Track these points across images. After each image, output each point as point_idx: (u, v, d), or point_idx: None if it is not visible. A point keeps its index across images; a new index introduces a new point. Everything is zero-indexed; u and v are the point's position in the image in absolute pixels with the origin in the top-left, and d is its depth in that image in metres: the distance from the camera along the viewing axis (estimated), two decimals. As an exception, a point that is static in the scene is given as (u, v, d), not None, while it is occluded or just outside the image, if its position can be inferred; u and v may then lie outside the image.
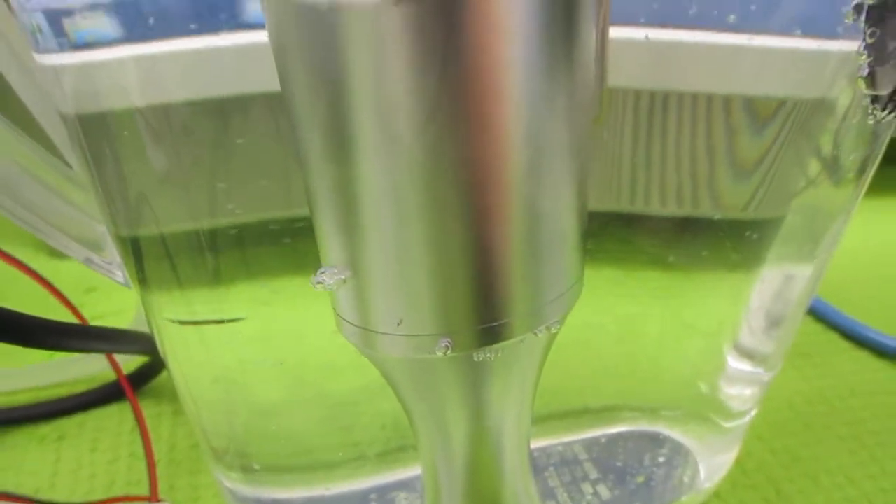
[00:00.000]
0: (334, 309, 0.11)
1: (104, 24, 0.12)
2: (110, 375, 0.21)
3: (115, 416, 0.21)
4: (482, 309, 0.10)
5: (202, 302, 0.15)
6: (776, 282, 0.18)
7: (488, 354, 0.11)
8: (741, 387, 0.19)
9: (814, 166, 0.15)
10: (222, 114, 0.13)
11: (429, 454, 0.13)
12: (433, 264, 0.10)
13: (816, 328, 0.24)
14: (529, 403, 0.13)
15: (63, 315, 0.21)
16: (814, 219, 0.16)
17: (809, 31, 0.12)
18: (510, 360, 0.11)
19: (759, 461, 0.20)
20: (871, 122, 0.11)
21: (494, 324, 0.10)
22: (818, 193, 0.15)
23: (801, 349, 0.23)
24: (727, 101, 0.14)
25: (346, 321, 0.11)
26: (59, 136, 0.17)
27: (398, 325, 0.10)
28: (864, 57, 0.10)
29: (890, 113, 0.11)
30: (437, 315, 0.10)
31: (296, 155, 0.10)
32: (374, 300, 0.10)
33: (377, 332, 0.11)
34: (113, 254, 0.16)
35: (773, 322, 0.19)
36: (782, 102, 0.14)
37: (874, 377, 0.22)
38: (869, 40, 0.10)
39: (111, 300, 0.24)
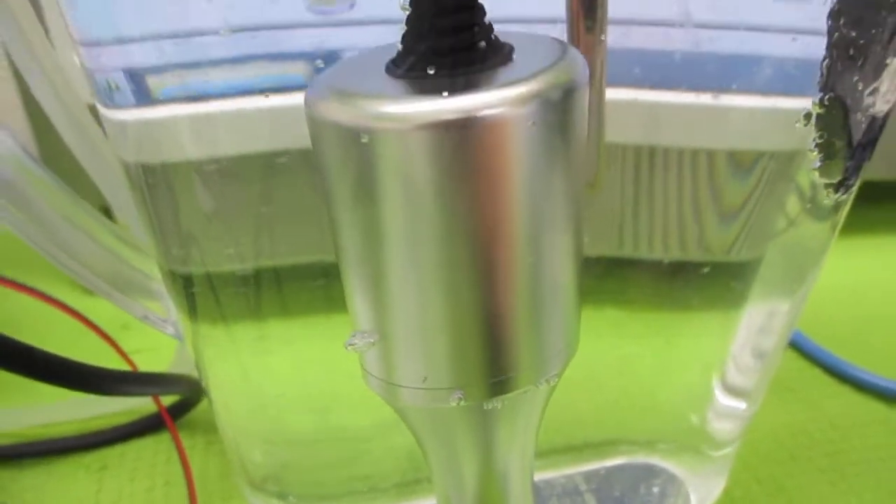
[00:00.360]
0: (361, 363, 0.13)
1: (191, 82, 0.14)
2: (147, 408, 0.23)
3: (152, 447, 0.22)
4: (491, 366, 0.12)
5: (244, 337, 0.17)
6: (759, 318, 0.19)
7: (496, 404, 0.13)
8: (728, 419, 0.21)
9: (791, 209, 0.16)
10: (270, 166, 0.15)
11: (442, 487, 0.15)
12: (449, 331, 0.11)
13: (801, 365, 0.25)
14: (532, 443, 0.15)
15: (100, 350, 0.23)
16: (792, 258, 0.18)
17: (785, 91, 0.14)
18: (515, 408, 0.13)
19: (746, 490, 0.21)
20: (827, 202, 0.13)
21: (501, 378, 0.12)
22: (795, 234, 0.17)
23: (787, 384, 0.24)
24: (710, 154, 0.16)
25: (372, 375, 0.13)
26: (112, 193, 0.19)
27: (423, 381, 0.12)
28: (815, 153, 0.12)
29: (843, 194, 0.13)
30: (452, 372, 0.12)
31: (331, 237, 0.12)
32: (397, 360, 0.12)
33: (399, 386, 0.12)
34: (168, 310, 0.18)
35: (757, 356, 0.20)
36: (761, 154, 0.15)
37: (853, 411, 0.23)
38: (818, 141, 0.11)
39: (145, 337, 0.25)
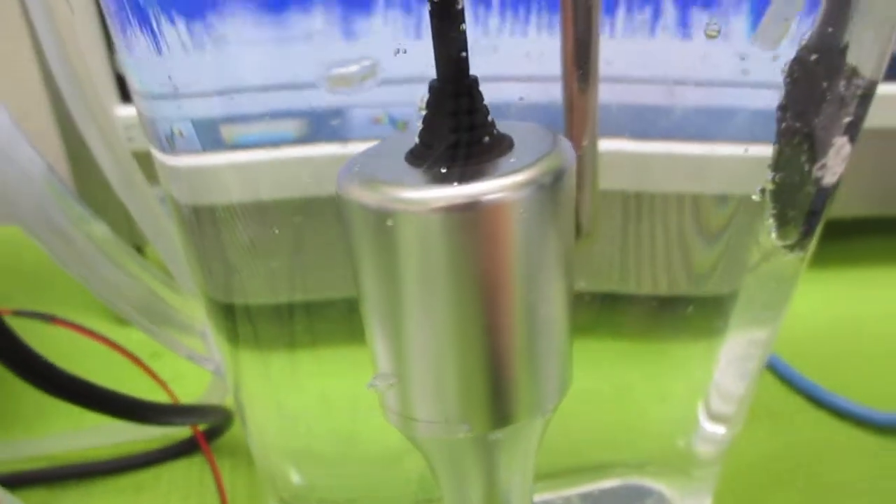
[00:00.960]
0: (380, 400, 0.15)
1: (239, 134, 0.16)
2: (179, 434, 0.24)
3: (184, 469, 0.24)
4: (495, 403, 0.14)
5: (279, 366, 0.19)
6: (739, 347, 0.21)
7: (499, 434, 0.14)
8: (711, 442, 0.23)
9: (765, 244, 0.18)
10: (305, 210, 0.17)
11: (448, 496, 0.17)
12: (459, 375, 0.13)
13: (783, 391, 0.27)
14: (531, 468, 0.16)
15: (132, 377, 0.25)
16: (765, 289, 0.20)
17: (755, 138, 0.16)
18: (516, 438, 0.15)
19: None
20: (785, 257, 0.15)
21: (504, 413, 0.14)
22: (768, 267, 0.19)
23: (770, 410, 0.26)
24: (692, 198, 0.18)
25: (391, 411, 0.15)
26: (152, 232, 0.21)
27: (436, 417, 0.14)
28: (770, 220, 0.14)
29: (798, 253, 0.14)
30: (461, 409, 0.14)
31: (356, 290, 0.13)
32: (413, 398, 0.14)
33: (415, 420, 0.14)
34: (209, 349, 0.19)
35: (739, 381, 0.22)
36: (736, 198, 0.17)
37: (830, 436, 0.25)
38: (773, 212, 0.13)
39: (175, 365, 0.27)
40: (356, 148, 0.14)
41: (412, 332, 0.13)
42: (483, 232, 0.12)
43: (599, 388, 0.22)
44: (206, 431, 0.23)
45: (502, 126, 0.13)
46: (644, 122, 0.17)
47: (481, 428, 0.14)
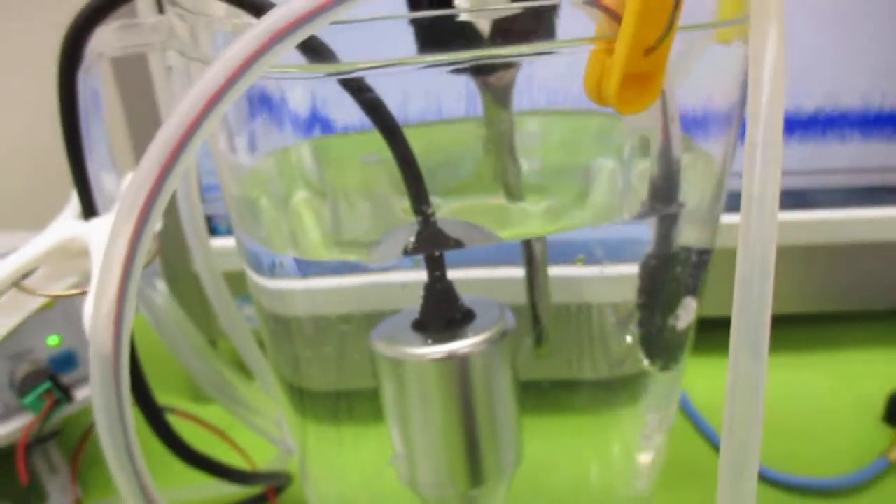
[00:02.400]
0: (398, 470, 0.22)
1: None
2: (255, 490, 0.32)
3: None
4: (471, 473, 0.21)
5: (333, 437, 0.26)
6: (655, 413, 0.27)
7: (474, 492, 0.22)
8: (644, 480, 0.29)
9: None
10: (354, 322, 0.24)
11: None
12: (445, 456, 0.21)
13: (716, 458, 0.34)
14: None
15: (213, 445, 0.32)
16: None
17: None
18: (486, 494, 0.22)
19: None
20: (660, 373, 0.22)
21: (477, 478, 0.22)
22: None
23: (703, 473, 0.33)
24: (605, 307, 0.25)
25: (404, 476, 0.22)
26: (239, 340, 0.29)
27: (432, 481, 0.21)
28: (640, 354, 0.21)
29: (669, 373, 0.22)
30: (447, 476, 0.21)
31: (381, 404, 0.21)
32: (417, 469, 0.21)
33: (419, 482, 0.22)
34: (283, 431, 0.27)
35: (660, 434, 0.28)
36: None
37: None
38: (641, 347, 0.21)
39: (244, 437, 0.34)
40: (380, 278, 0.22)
41: (413, 429, 0.21)
42: (459, 370, 0.20)
43: (563, 452, 0.29)
44: (274, 489, 0.31)
45: (467, 300, 0.20)
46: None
47: (462, 488, 0.22)
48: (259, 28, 0.13)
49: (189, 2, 0.16)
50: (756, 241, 0.13)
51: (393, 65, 0.16)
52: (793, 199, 0.37)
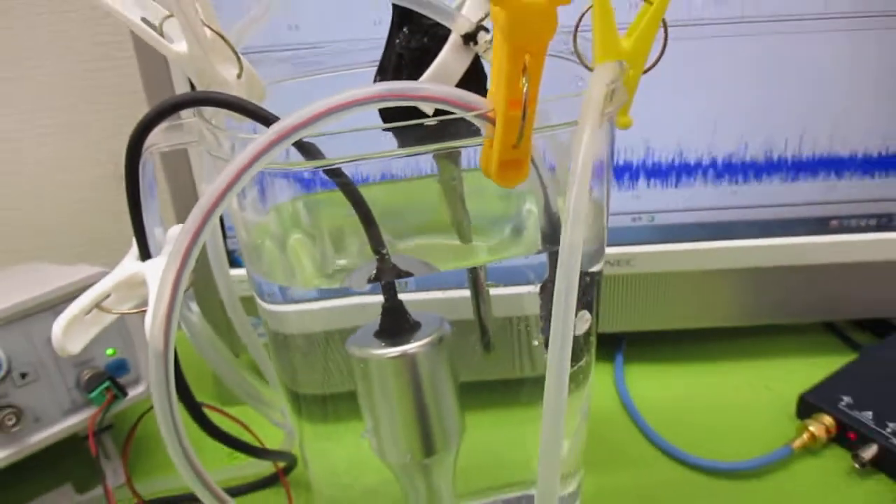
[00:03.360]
0: (370, 444, 0.29)
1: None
2: (267, 470, 0.39)
3: (272, 494, 0.39)
4: (424, 443, 0.28)
5: (324, 430, 0.33)
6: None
7: (427, 461, 0.29)
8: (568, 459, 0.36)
9: None
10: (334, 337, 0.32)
11: (410, 496, 0.31)
12: (403, 431, 0.28)
13: (647, 447, 0.40)
14: (450, 478, 0.30)
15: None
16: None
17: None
18: (436, 462, 0.29)
19: (597, 488, 0.36)
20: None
21: (430, 448, 0.29)
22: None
23: (635, 459, 0.39)
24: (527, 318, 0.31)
25: (373, 448, 0.29)
26: (252, 347, 0.36)
27: (393, 450, 0.28)
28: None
29: (573, 367, 0.29)
30: (405, 447, 0.28)
31: (356, 390, 0.28)
32: (382, 442, 0.28)
33: (384, 451, 0.29)
34: (285, 417, 0.34)
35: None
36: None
37: (671, 475, 0.38)
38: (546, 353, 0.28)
39: (259, 429, 0.42)
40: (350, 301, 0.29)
41: (378, 411, 0.28)
42: (407, 366, 0.27)
43: (500, 438, 0.35)
44: (283, 469, 0.38)
45: (415, 315, 0.28)
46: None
47: (418, 458, 0.29)
48: (261, 138, 0.20)
49: (210, 112, 0.24)
50: (566, 271, 0.20)
51: (358, 159, 0.23)
52: (719, 230, 0.44)
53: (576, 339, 0.28)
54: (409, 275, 0.27)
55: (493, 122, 0.22)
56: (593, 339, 0.31)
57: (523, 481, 0.35)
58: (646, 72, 0.25)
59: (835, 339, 0.49)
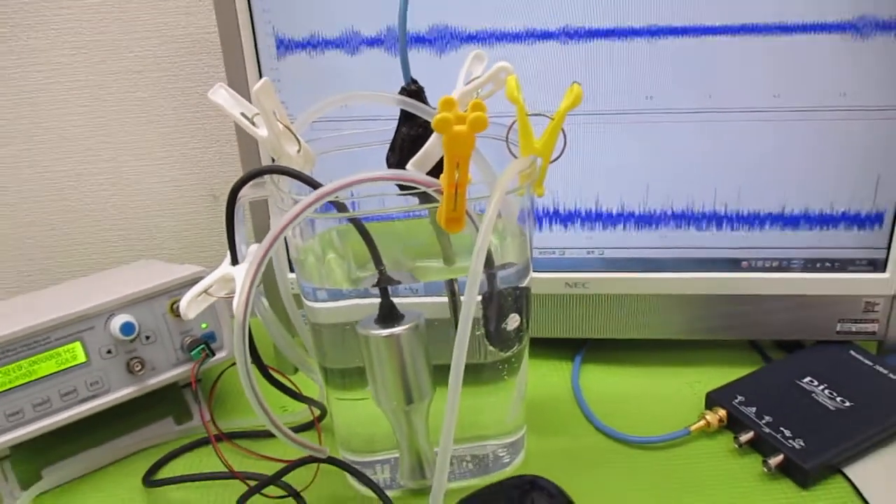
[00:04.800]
0: (372, 397, 0.44)
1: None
2: (305, 419, 0.53)
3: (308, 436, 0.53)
4: (405, 396, 0.42)
5: (343, 395, 0.48)
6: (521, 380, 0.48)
7: (407, 408, 0.43)
8: (516, 417, 0.49)
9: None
10: (350, 328, 0.46)
11: (400, 436, 0.45)
12: (392, 385, 0.42)
13: (584, 423, 0.53)
14: (426, 421, 0.44)
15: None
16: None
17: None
18: (414, 409, 0.43)
19: (535, 457, 0.49)
20: (503, 354, 0.43)
21: (410, 398, 0.42)
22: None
23: (572, 431, 0.52)
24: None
25: (373, 397, 0.43)
26: (301, 329, 0.51)
27: (386, 399, 0.42)
28: (486, 343, 0.41)
29: (506, 352, 0.42)
30: (394, 398, 0.42)
31: (368, 364, 0.43)
32: (379, 395, 0.43)
33: (380, 401, 0.43)
34: (318, 376, 0.49)
35: (520, 395, 0.49)
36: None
37: (597, 443, 0.51)
38: (487, 343, 0.41)
39: (307, 390, 0.56)
40: (367, 301, 0.43)
41: (375, 373, 0.42)
42: (395, 343, 0.41)
43: (464, 405, 0.49)
44: (317, 418, 0.52)
45: (402, 310, 0.42)
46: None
47: (401, 405, 0.43)
48: (304, 200, 0.35)
49: (278, 177, 0.39)
50: (469, 297, 0.34)
51: (372, 214, 0.38)
52: (652, 264, 0.56)
53: (509, 332, 0.42)
54: (398, 283, 0.41)
55: (441, 194, 0.36)
56: (524, 334, 0.44)
57: (476, 436, 0.48)
58: (552, 162, 0.39)
59: (755, 355, 0.61)
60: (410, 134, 0.42)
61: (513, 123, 0.38)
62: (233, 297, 0.38)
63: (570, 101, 0.37)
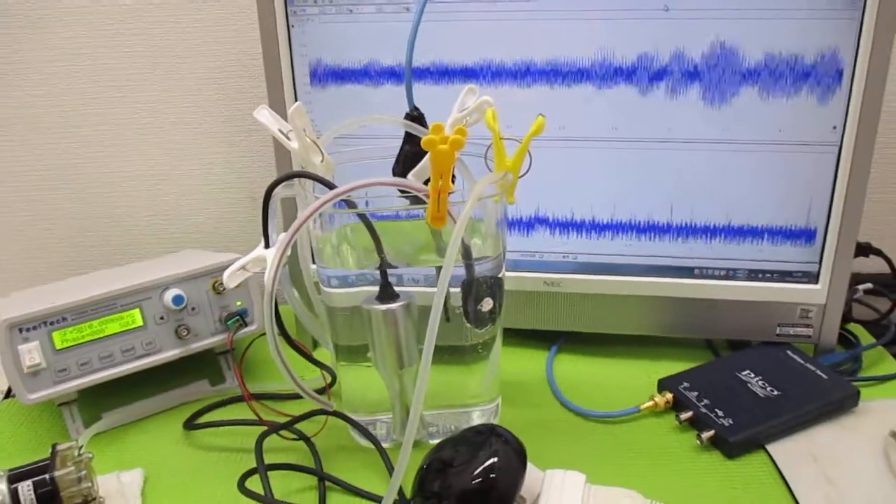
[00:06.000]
0: (372, 362, 0.53)
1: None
2: (317, 385, 0.63)
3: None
4: (397, 361, 0.52)
5: (350, 365, 0.57)
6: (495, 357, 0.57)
7: (399, 371, 0.52)
8: (489, 390, 0.58)
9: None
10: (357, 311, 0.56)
11: (393, 396, 0.54)
12: (388, 351, 0.51)
13: (552, 399, 0.62)
14: (413, 381, 0.53)
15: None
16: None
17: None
18: (406, 373, 0.52)
19: (507, 423, 0.57)
20: (481, 330, 0.52)
21: (401, 362, 0.52)
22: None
23: (539, 404, 0.61)
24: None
25: (373, 362, 0.53)
26: (320, 309, 0.61)
27: (382, 362, 0.52)
28: (464, 321, 0.50)
29: (482, 329, 0.51)
30: (389, 363, 0.52)
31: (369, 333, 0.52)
32: (377, 360, 0.52)
33: (377, 365, 0.52)
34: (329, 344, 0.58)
35: (493, 371, 0.57)
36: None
37: (563, 416, 0.59)
38: (465, 321, 0.50)
39: (320, 354, 0.66)
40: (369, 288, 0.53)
41: (374, 341, 0.51)
42: (391, 317, 0.50)
43: (448, 378, 0.58)
44: (328, 384, 0.61)
45: (398, 290, 0.51)
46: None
47: (395, 368, 0.52)
48: (323, 197, 0.44)
49: (303, 182, 0.49)
50: (442, 285, 0.43)
51: (372, 212, 0.48)
52: (618, 269, 0.65)
53: (484, 313, 0.51)
54: (395, 267, 0.51)
55: (427, 196, 0.45)
56: (497, 316, 0.53)
57: (459, 403, 0.57)
58: (521, 177, 0.48)
59: (708, 353, 0.69)
60: (412, 151, 0.52)
61: (490, 145, 0.48)
62: (264, 273, 0.48)
63: (534, 129, 0.46)
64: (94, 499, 0.48)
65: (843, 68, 0.56)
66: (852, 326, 0.71)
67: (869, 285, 0.72)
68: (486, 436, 0.46)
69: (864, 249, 0.69)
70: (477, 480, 0.42)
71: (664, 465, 0.54)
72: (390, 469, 0.53)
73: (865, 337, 0.69)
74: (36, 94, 0.80)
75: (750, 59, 0.57)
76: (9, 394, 0.66)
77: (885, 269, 0.72)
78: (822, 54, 0.56)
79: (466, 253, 0.49)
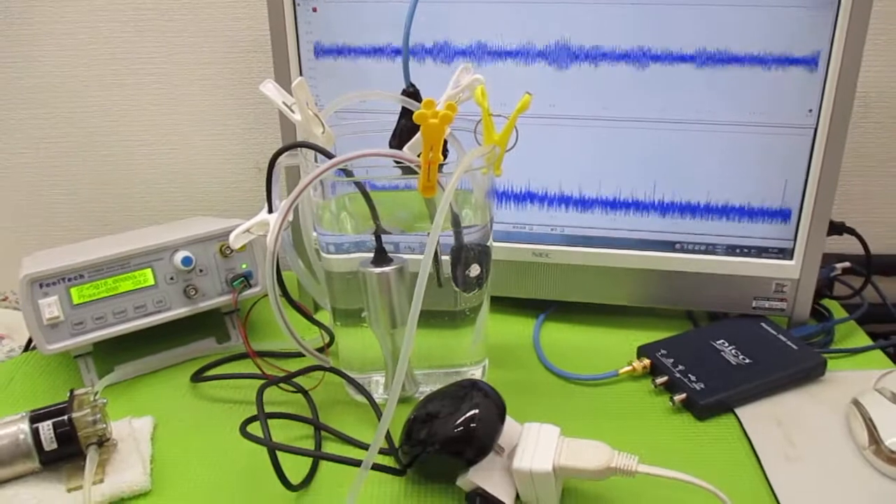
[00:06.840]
0: (368, 322, 0.56)
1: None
2: (316, 345, 0.66)
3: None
4: (389, 321, 0.55)
5: (348, 326, 0.60)
6: (482, 322, 0.60)
7: (392, 330, 0.55)
8: (477, 351, 0.61)
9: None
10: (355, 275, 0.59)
11: (386, 354, 0.57)
12: (384, 314, 0.54)
13: (537, 363, 0.65)
14: (404, 340, 0.57)
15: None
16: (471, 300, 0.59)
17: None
18: (398, 332, 0.56)
19: (494, 382, 0.61)
20: (469, 293, 0.55)
21: (394, 323, 0.55)
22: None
23: (528, 366, 0.64)
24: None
25: (368, 322, 0.56)
26: (319, 273, 0.64)
27: (377, 322, 0.55)
28: (453, 286, 0.53)
29: (470, 293, 0.54)
30: (382, 322, 0.55)
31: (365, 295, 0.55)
32: (371, 320, 0.55)
33: (371, 324, 0.56)
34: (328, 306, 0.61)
35: (479, 334, 0.61)
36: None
37: (546, 378, 0.62)
38: (454, 285, 0.53)
39: (321, 317, 0.69)
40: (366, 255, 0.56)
41: (369, 302, 0.54)
42: (385, 279, 0.53)
43: (445, 341, 0.61)
44: (327, 344, 0.65)
45: (392, 255, 0.54)
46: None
47: (388, 328, 0.55)
48: (322, 165, 0.47)
49: (305, 150, 0.52)
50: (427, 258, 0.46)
51: (364, 179, 0.50)
52: (603, 242, 0.68)
53: (471, 278, 0.54)
54: (389, 233, 0.54)
55: (419, 166, 0.48)
56: (485, 280, 0.56)
57: (449, 364, 0.60)
58: (508, 150, 0.51)
59: (688, 323, 0.72)
60: (407, 125, 0.54)
61: (479, 121, 0.50)
62: (267, 235, 0.51)
63: (520, 106, 0.48)
64: (108, 439, 0.51)
65: (820, 53, 0.58)
66: (828, 302, 0.73)
67: (847, 264, 0.74)
68: (469, 389, 0.49)
69: (837, 228, 0.71)
70: (459, 429, 0.46)
71: (638, 424, 0.57)
72: (382, 421, 0.56)
73: (840, 312, 0.72)
74: (55, 65, 0.83)
75: (733, 45, 0.59)
76: (28, 346, 0.70)
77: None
78: (800, 40, 0.58)
79: (455, 221, 0.52)
